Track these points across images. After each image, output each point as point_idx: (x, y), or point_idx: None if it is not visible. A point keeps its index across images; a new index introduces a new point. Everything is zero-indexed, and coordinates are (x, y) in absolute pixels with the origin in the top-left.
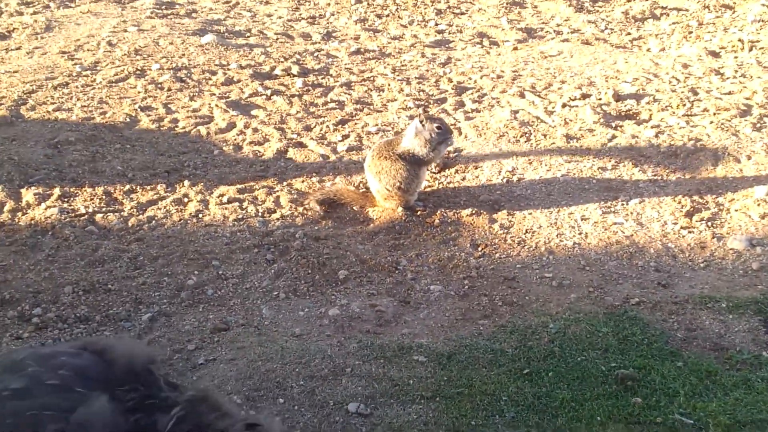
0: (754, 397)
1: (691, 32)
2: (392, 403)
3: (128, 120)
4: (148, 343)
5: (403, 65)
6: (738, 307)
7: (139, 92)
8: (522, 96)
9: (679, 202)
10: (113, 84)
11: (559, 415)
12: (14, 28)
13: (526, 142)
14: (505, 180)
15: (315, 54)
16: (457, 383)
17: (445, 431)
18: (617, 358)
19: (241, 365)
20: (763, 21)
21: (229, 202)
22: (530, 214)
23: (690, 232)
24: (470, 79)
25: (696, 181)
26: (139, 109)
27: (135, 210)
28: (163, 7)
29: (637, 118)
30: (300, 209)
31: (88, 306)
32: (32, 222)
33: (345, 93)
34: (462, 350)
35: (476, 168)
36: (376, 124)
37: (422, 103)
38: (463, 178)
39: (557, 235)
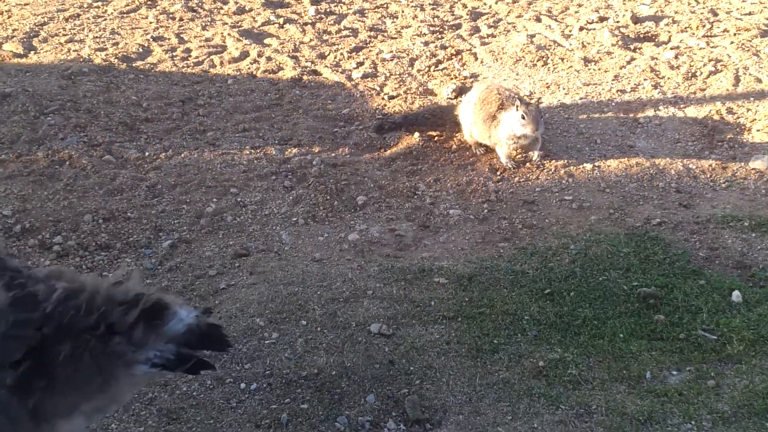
0: None
1: None
2: (414, 323)
3: (141, 50)
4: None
5: None
6: (761, 226)
7: (150, 23)
8: (538, 20)
9: (700, 123)
10: (125, 15)
11: (581, 333)
12: None
13: (543, 66)
14: None
15: None
16: (479, 304)
17: (468, 350)
18: (639, 277)
19: (262, 289)
20: None
21: (245, 130)
22: (548, 136)
23: (711, 152)
24: (485, 4)
25: (717, 102)
26: (151, 40)
27: (151, 139)
28: None
29: (656, 40)
30: (317, 136)
31: (108, 234)
32: (49, 152)
33: (358, 20)
34: (483, 272)
35: None
36: (391, 51)
37: (437, 28)
38: None
39: (576, 158)
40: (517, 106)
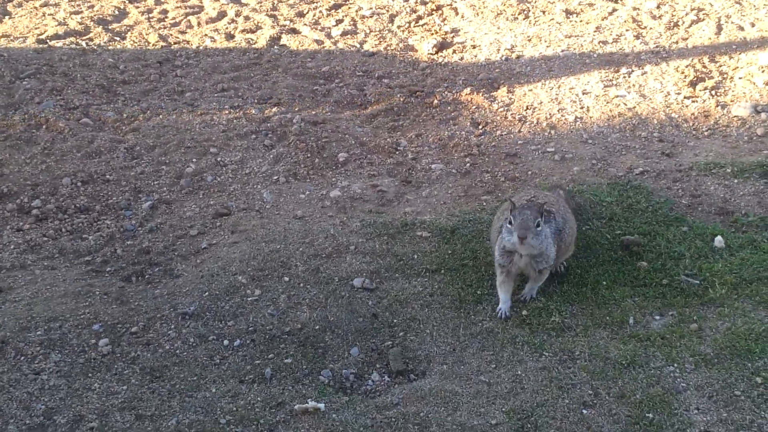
0: (761, 256)
1: None
2: (397, 277)
3: (117, 12)
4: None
5: None
6: (743, 172)
7: None
8: None
9: (682, 72)
10: None
11: (565, 282)
12: None
13: (524, 19)
14: (503, 58)
15: None
16: (462, 256)
17: (451, 301)
18: (622, 225)
19: (244, 247)
20: None
21: (224, 90)
22: (530, 90)
23: (693, 101)
24: None
25: (699, 51)
26: (127, 2)
27: (129, 101)
28: None
29: None
30: (297, 94)
31: (87, 196)
32: (26, 116)
33: None
34: (465, 225)
35: (474, 47)
36: (371, 8)
37: None
38: (461, 58)
39: (558, 111)
40: (511, 209)
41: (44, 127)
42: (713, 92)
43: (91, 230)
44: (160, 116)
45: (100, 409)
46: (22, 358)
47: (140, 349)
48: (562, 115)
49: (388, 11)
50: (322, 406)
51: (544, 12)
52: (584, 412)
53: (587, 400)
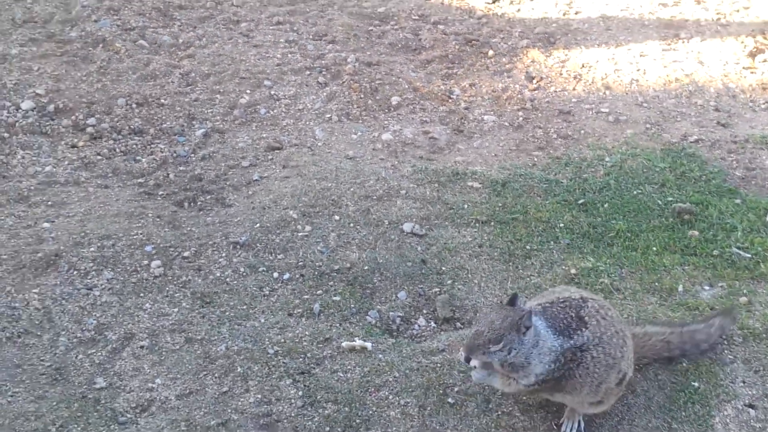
0: None
1: None
2: (447, 225)
3: None
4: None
5: None
6: None
7: None
8: None
9: (742, 42)
10: None
11: (614, 244)
12: None
13: None
14: (561, 13)
15: None
16: (512, 210)
17: (500, 254)
18: (674, 192)
19: (296, 183)
20: None
21: (279, 23)
22: (587, 48)
23: (752, 72)
24: None
25: (760, 22)
26: None
27: (185, 26)
28: None
29: None
30: (352, 33)
31: (141, 119)
32: (83, 34)
33: None
34: (516, 179)
35: (531, 0)
36: None
37: None
38: (518, 10)
39: (614, 71)
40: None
41: (101, 46)
42: None
43: (145, 153)
44: (216, 44)
45: (151, 329)
46: (75, 272)
47: (191, 274)
48: (618, 76)
49: None
50: (369, 345)
51: None
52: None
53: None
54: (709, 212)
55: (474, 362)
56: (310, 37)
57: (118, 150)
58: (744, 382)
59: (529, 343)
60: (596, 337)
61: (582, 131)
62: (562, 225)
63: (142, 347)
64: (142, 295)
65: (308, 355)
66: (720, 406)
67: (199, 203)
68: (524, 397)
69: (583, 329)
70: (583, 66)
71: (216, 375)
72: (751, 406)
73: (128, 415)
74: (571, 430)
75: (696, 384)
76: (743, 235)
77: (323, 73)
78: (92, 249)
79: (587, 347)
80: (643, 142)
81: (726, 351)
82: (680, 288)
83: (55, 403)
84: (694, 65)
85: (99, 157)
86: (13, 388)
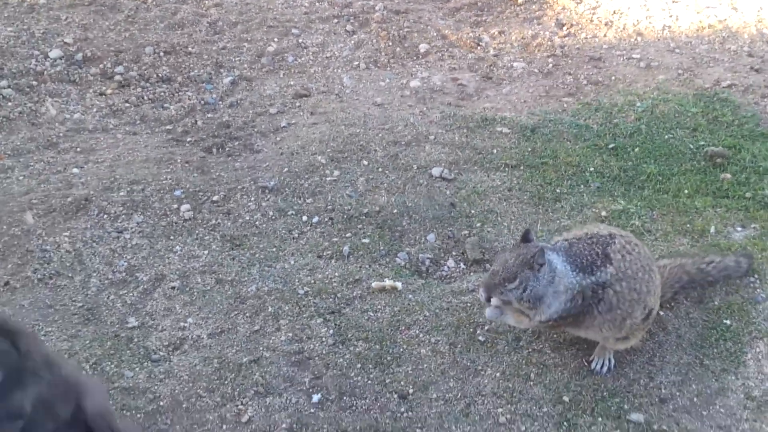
0: None
1: None
2: (476, 169)
3: None
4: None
5: None
6: None
7: None
8: None
9: None
10: None
11: (645, 188)
12: None
13: None
14: None
15: None
16: (542, 154)
17: (530, 197)
18: (706, 137)
19: (323, 129)
20: None
21: None
22: None
23: None
24: None
25: None
26: None
27: None
28: None
29: None
30: None
31: (169, 67)
32: None
33: None
34: (546, 124)
35: None
36: None
37: None
38: None
39: (646, 17)
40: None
41: None
42: None
43: (173, 100)
44: None
45: (182, 270)
46: (105, 216)
47: (221, 218)
48: (649, 22)
49: None
50: (399, 285)
51: None
52: (661, 313)
53: (664, 302)
54: (742, 155)
55: (494, 301)
56: None
57: (146, 98)
58: None
59: (544, 279)
60: (620, 272)
61: (613, 77)
62: (592, 169)
63: (173, 288)
64: (172, 237)
65: (338, 295)
66: (752, 342)
67: (227, 149)
68: (554, 335)
69: (608, 265)
70: (614, 13)
71: (247, 314)
72: None
73: (161, 353)
74: (601, 366)
75: (728, 321)
76: None
77: (351, 21)
78: (122, 194)
79: (610, 283)
80: (674, 87)
81: (758, 289)
82: (712, 229)
83: (88, 342)
84: (727, 11)
85: (127, 105)
86: (45, 328)
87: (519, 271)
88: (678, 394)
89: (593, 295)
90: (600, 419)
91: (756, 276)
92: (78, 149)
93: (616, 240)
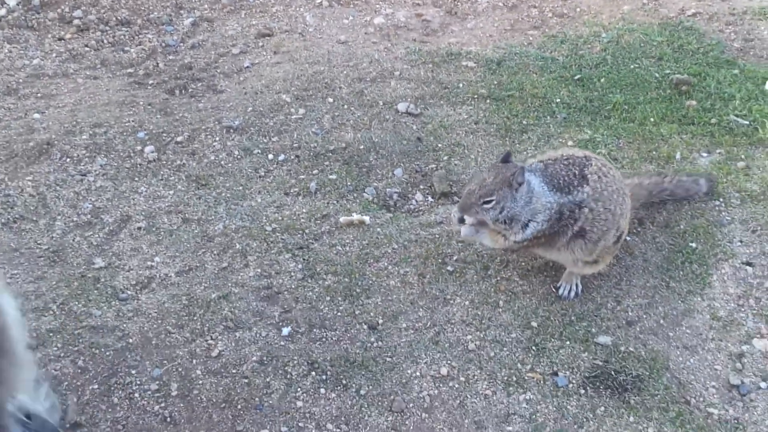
0: None
1: None
2: (442, 104)
3: None
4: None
5: None
6: None
7: None
8: None
9: None
10: None
11: (611, 117)
12: None
13: None
14: None
15: None
16: (508, 87)
17: (496, 129)
18: (671, 65)
19: (287, 68)
20: None
21: None
22: None
23: None
24: None
25: None
26: None
27: None
28: None
29: None
30: None
31: (128, 9)
32: None
33: None
34: (512, 57)
35: None
36: None
37: None
38: None
39: None
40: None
41: None
42: None
43: (133, 43)
44: None
45: (147, 211)
46: (68, 159)
47: (185, 158)
48: None
49: None
50: (367, 219)
51: None
52: (628, 239)
53: (631, 228)
54: (707, 83)
55: (468, 220)
56: None
57: (105, 41)
58: (741, 242)
59: (522, 199)
60: (597, 193)
61: (578, 9)
62: (558, 100)
63: (139, 228)
64: (136, 179)
65: (306, 231)
66: (717, 264)
67: (190, 90)
68: (522, 262)
69: (584, 185)
70: None
71: (215, 252)
72: (748, 263)
73: (129, 292)
74: (569, 292)
75: (694, 245)
76: (741, 103)
77: None
78: (84, 137)
79: (586, 203)
80: (640, 17)
81: (724, 212)
82: (678, 155)
83: (54, 283)
84: None
85: (87, 49)
86: (11, 270)
87: (497, 190)
88: (645, 316)
89: (569, 215)
90: (568, 342)
91: (721, 199)
92: (38, 95)
93: (592, 161)
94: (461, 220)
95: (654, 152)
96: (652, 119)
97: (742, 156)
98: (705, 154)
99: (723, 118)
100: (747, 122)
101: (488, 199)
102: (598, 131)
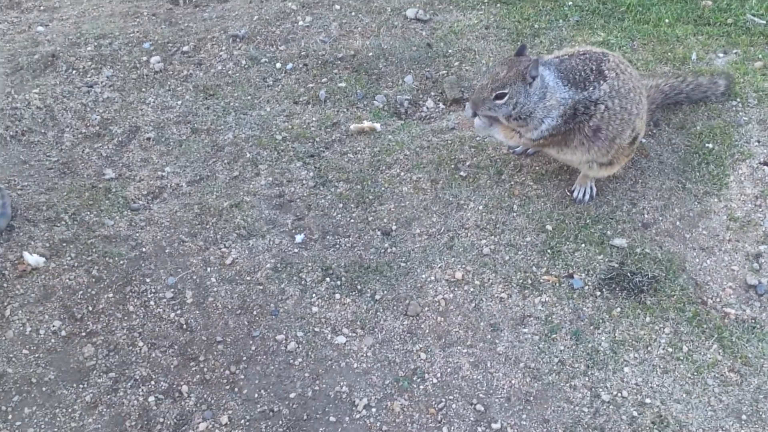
0: None
1: None
2: (451, 9)
3: None
4: None
5: None
6: None
7: None
8: None
9: None
10: None
11: (625, 19)
12: None
13: None
14: None
15: None
16: None
17: (507, 34)
18: None
19: None
20: None
21: None
22: None
23: None
24: None
25: None
26: None
27: None
28: None
29: None
30: None
31: None
32: None
33: None
34: None
35: None
36: None
37: None
38: None
39: None
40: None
41: None
42: None
43: None
44: None
45: (156, 121)
46: (74, 71)
47: (192, 68)
48: None
49: None
50: (378, 126)
51: None
52: (643, 141)
53: (647, 130)
54: None
55: (480, 116)
56: None
57: None
58: (759, 142)
59: (535, 94)
60: (614, 90)
61: None
62: (570, 3)
63: (148, 139)
64: (143, 90)
65: (317, 139)
66: (734, 165)
67: (194, 0)
68: (536, 166)
69: (601, 82)
70: None
71: (225, 161)
72: (765, 164)
73: (140, 202)
74: (583, 195)
75: (710, 145)
76: (758, 2)
77: None
78: (89, 48)
79: (603, 100)
80: None
81: (741, 113)
82: (693, 56)
83: (65, 194)
84: None
85: None
86: (22, 182)
87: (510, 84)
88: (660, 218)
89: (585, 111)
90: (583, 245)
91: (738, 99)
92: (41, 7)
93: (609, 57)
94: (473, 116)
95: (669, 53)
96: (666, 20)
97: (759, 56)
98: (721, 55)
99: (740, 17)
100: (764, 21)
101: (501, 92)
102: (611, 33)
